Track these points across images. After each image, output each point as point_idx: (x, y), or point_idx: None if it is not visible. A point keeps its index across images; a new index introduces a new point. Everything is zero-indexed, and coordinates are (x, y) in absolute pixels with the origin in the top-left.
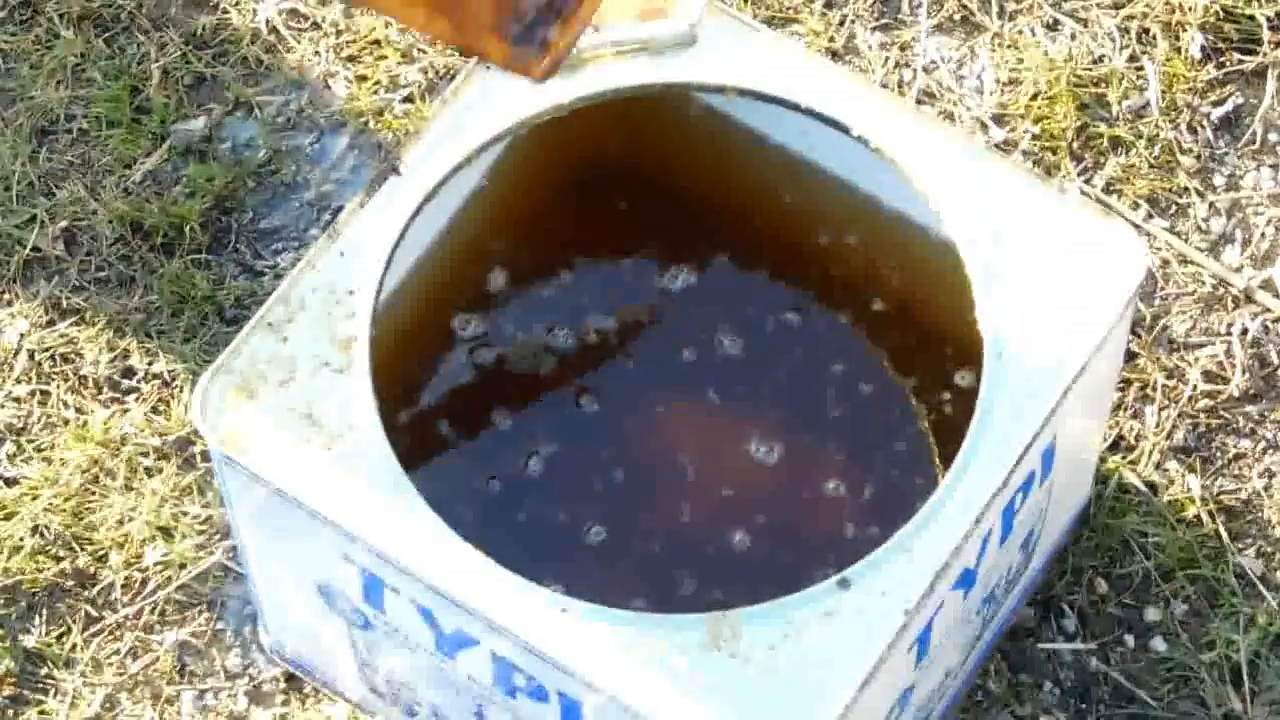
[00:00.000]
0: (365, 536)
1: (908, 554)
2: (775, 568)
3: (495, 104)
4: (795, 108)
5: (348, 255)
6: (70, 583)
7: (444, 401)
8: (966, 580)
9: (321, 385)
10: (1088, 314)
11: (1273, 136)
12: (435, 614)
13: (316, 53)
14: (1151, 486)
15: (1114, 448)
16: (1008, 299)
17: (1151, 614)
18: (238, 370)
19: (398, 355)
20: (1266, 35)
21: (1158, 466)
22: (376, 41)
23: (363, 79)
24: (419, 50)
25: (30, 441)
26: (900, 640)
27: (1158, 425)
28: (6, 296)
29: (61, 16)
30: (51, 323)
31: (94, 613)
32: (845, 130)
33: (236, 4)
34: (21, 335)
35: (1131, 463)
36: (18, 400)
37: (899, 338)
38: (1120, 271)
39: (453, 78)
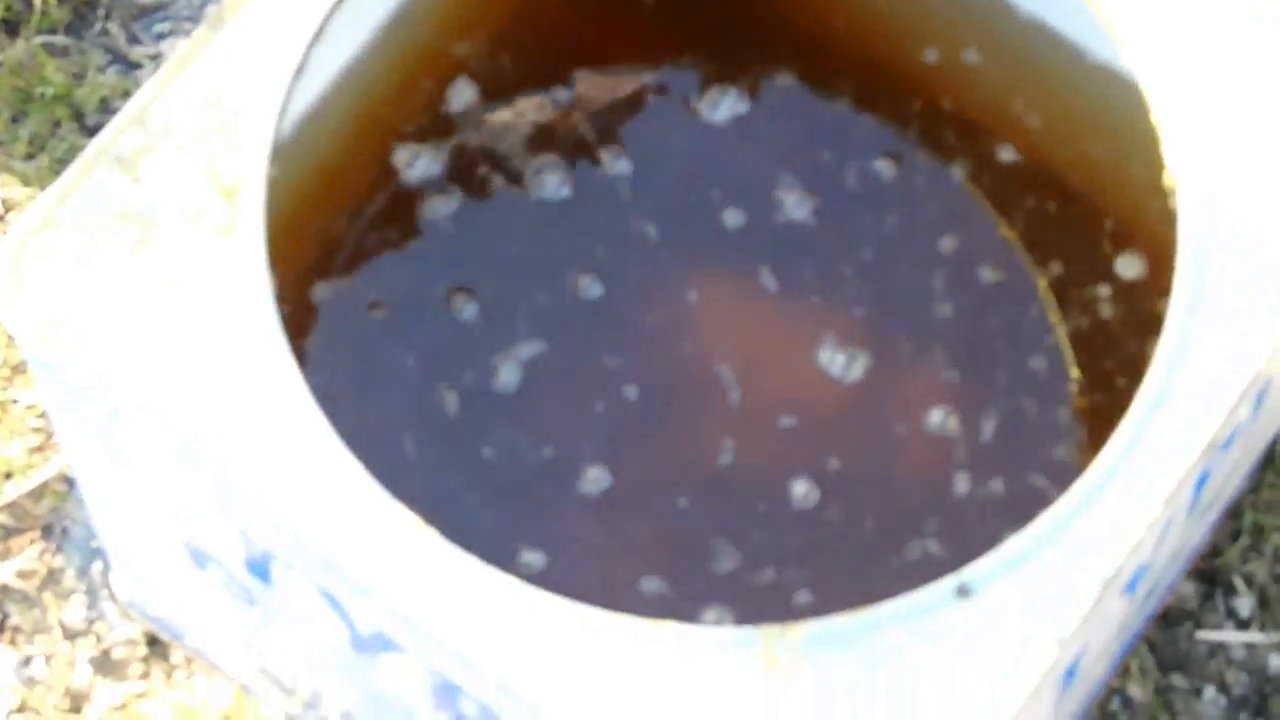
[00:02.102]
0: (245, 482)
1: (1060, 549)
2: (855, 539)
3: None
4: None
5: (236, 54)
6: None
7: (376, 275)
8: (1135, 581)
9: (193, 250)
10: None
11: None
12: (346, 606)
13: None
14: None
15: None
16: (1209, 156)
17: None
18: (68, 223)
19: (309, 206)
20: None
21: None
22: None
23: None
24: None
25: None
26: (1045, 681)
27: None
28: None
29: None
30: None
31: None
32: None
33: None
34: None
35: None
36: None
37: (1037, 203)
38: None
39: None
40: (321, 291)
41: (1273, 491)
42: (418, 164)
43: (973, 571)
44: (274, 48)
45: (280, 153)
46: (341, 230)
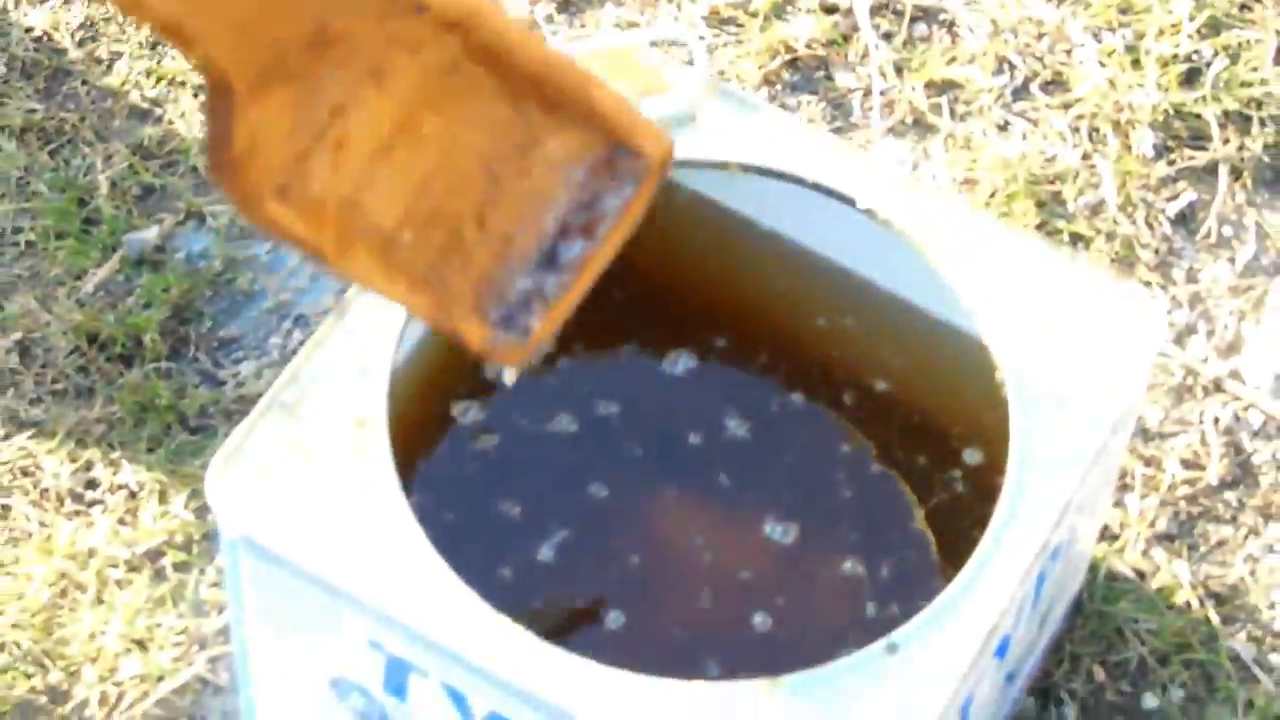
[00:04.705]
0: (397, 615)
1: (955, 616)
2: (799, 651)
3: None
4: (801, 183)
5: (357, 333)
6: (43, 699)
7: (448, 487)
8: (1003, 648)
9: (341, 464)
10: (1114, 375)
11: (1227, 230)
12: (468, 696)
13: None
14: (1140, 573)
15: (1099, 536)
16: (1026, 382)
17: (1150, 700)
18: (252, 452)
19: (401, 438)
20: (1215, 131)
21: (1144, 554)
22: None
23: None
24: None
25: None
26: (952, 704)
27: (1140, 514)
28: None
29: (3, 129)
30: (8, 436)
31: None
32: (851, 203)
33: (182, 115)
34: None
35: (1118, 550)
36: None
37: (904, 417)
38: (1143, 332)
39: None
40: (411, 500)
41: (1082, 631)
42: (469, 412)
43: (899, 634)
44: (380, 326)
45: (390, 397)
46: (420, 459)
